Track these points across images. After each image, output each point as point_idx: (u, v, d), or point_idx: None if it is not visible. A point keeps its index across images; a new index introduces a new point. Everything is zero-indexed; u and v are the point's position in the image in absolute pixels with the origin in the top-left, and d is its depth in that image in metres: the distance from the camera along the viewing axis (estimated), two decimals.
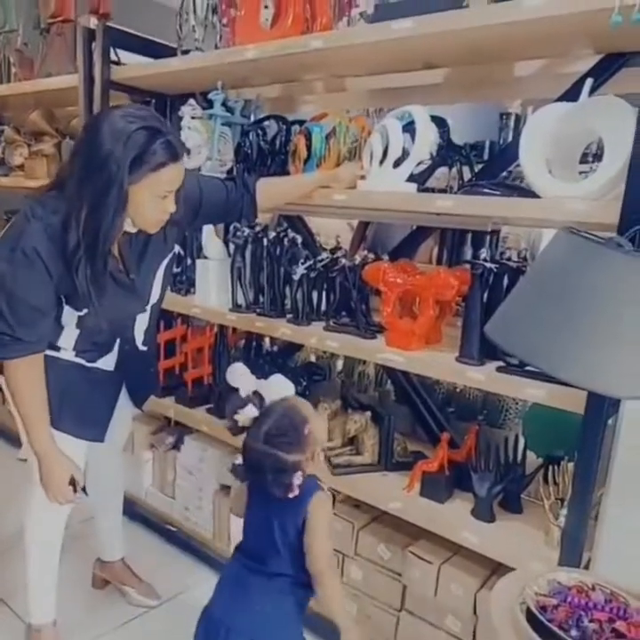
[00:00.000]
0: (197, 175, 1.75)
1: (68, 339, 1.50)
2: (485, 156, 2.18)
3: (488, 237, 2.22)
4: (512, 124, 2.30)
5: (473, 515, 1.62)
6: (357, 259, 1.79)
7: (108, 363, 1.61)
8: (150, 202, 1.33)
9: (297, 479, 1.20)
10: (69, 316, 1.44)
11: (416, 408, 2.07)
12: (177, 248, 1.67)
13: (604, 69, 1.41)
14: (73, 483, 1.51)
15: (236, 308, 2.09)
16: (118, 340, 1.60)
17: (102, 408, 1.62)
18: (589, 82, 1.25)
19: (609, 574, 1.28)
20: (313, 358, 2.68)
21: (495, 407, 2.12)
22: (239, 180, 1.70)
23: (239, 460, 1.29)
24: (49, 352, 1.47)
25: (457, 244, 2.29)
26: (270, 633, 1.28)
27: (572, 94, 1.42)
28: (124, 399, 1.72)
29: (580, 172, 1.43)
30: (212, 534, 2.26)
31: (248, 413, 1.26)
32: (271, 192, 1.73)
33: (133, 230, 1.44)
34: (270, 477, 1.21)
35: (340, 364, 2.63)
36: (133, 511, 2.44)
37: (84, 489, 1.56)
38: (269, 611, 1.28)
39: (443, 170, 1.87)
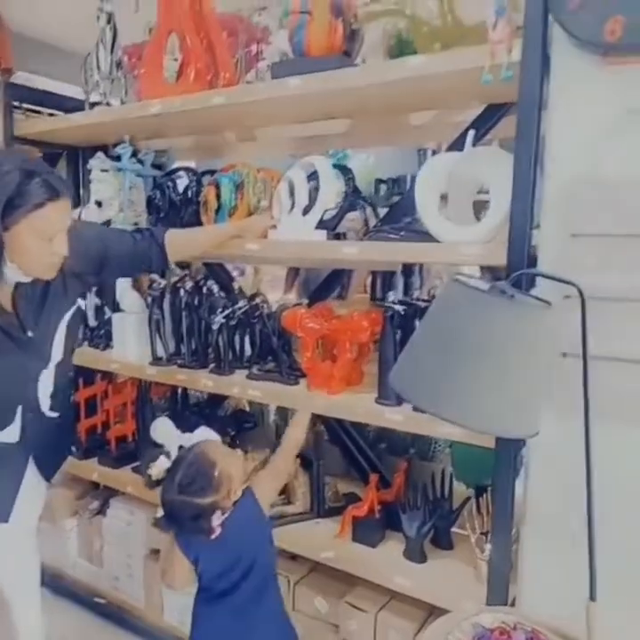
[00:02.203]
0: (99, 226, 1.72)
1: None
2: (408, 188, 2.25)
3: (417, 268, 2.28)
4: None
5: (405, 556, 1.61)
6: (274, 305, 1.79)
7: (10, 434, 1.49)
8: (36, 245, 1.26)
9: (216, 519, 1.24)
10: None
11: (347, 448, 2.06)
12: (83, 302, 1.58)
13: (488, 118, 1.50)
14: None
15: (156, 360, 2.04)
16: (20, 408, 1.49)
17: (5, 486, 1.50)
18: (472, 133, 1.32)
19: (534, 609, 1.30)
20: (246, 404, 2.63)
21: (424, 440, 2.14)
22: (146, 232, 1.67)
23: (160, 512, 1.31)
24: None
25: (388, 274, 2.34)
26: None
27: (462, 142, 1.49)
28: (31, 473, 1.59)
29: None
30: (144, 604, 2.14)
31: (160, 466, 1.29)
32: (181, 243, 1.70)
33: (27, 279, 1.36)
34: (189, 525, 1.25)
35: (273, 409, 2.60)
36: (59, 585, 2.29)
37: None
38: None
39: (357, 214, 1.92)
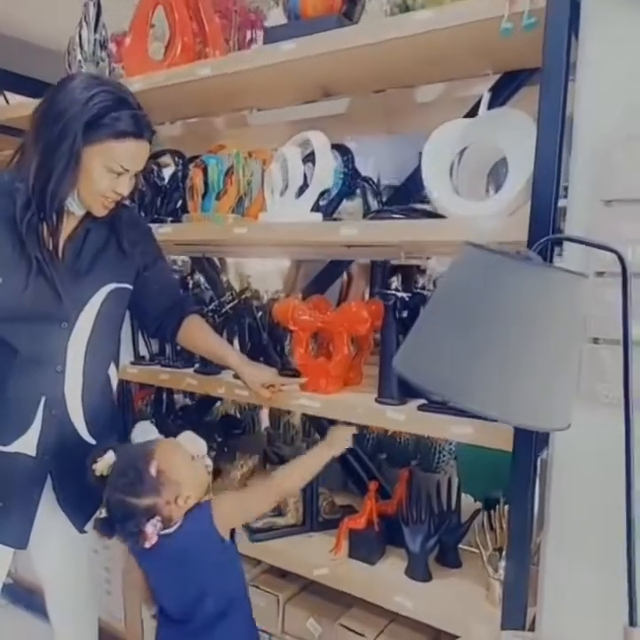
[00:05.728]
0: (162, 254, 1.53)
1: None
2: None
3: (417, 275, 2.15)
4: None
5: (407, 574, 1.44)
6: (265, 297, 1.65)
7: (28, 444, 1.26)
8: (101, 175, 1.20)
9: (152, 526, 1.08)
10: None
11: (344, 458, 1.90)
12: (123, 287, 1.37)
13: (503, 88, 1.37)
14: None
15: (138, 360, 1.88)
16: (43, 402, 1.25)
17: (19, 507, 1.29)
18: (487, 95, 1.19)
19: (556, 632, 1.14)
20: (237, 412, 2.48)
21: (428, 450, 1.98)
22: (183, 295, 1.56)
23: (103, 513, 1.15)
24: None
25: (388, 287, 2.22)
26: None
27: (473, 115, 1.36)
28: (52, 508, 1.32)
29: None
30: (124, 624, 1.96)
31: (107, 461, 1.14)
32: (193, 333, 1.49)
33: (80, 212, 1.27)
34: (118, 527, 1.11)
35: (265, 415, 2.44)
36: (33, 602, 2.11)
37: None
38: None
39: (356, 205, 1.79)
